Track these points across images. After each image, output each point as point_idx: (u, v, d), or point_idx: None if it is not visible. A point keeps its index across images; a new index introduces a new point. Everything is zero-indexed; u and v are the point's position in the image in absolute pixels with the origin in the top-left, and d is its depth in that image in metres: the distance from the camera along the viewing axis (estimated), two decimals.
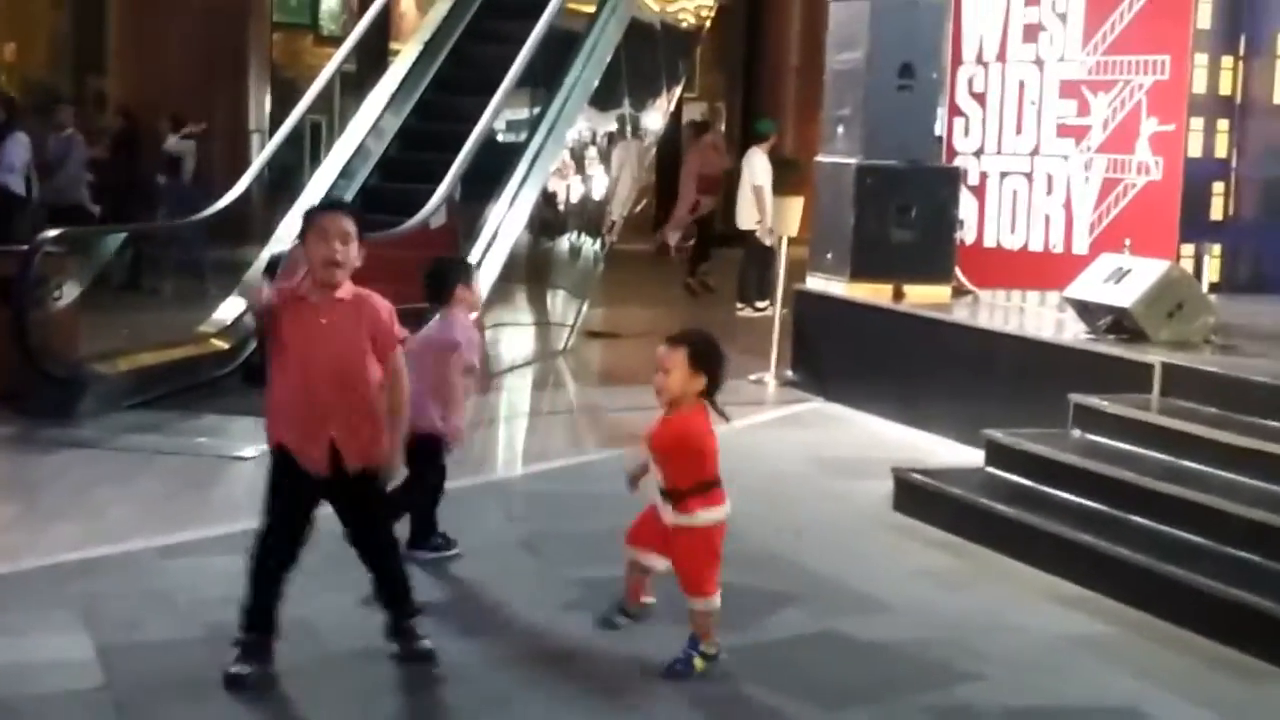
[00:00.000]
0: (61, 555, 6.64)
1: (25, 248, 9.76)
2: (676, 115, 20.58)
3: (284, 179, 14.99)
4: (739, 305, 15.84)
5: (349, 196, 12.70)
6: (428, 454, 6.59)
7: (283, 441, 5.20)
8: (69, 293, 10.09)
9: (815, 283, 11.50)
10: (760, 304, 15.12)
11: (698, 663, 5.42)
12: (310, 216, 5.26)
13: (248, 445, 8.76)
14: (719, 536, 5.43)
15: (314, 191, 12.46)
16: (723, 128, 22.84)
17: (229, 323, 11.15)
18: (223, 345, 10.97)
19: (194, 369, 10.65)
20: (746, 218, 16.01)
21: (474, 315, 7.09)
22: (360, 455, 5.19)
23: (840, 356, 11.09)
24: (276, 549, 5.19)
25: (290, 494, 5.22)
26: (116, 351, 10.37)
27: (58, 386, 9.45)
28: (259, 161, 12.85)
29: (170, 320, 11.74)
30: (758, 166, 15.86)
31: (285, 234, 11.83)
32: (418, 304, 11.27)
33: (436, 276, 6.91)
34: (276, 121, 16.24)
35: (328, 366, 5.13)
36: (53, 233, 10.39)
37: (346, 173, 12.84)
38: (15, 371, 9.50)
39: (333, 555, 5.47)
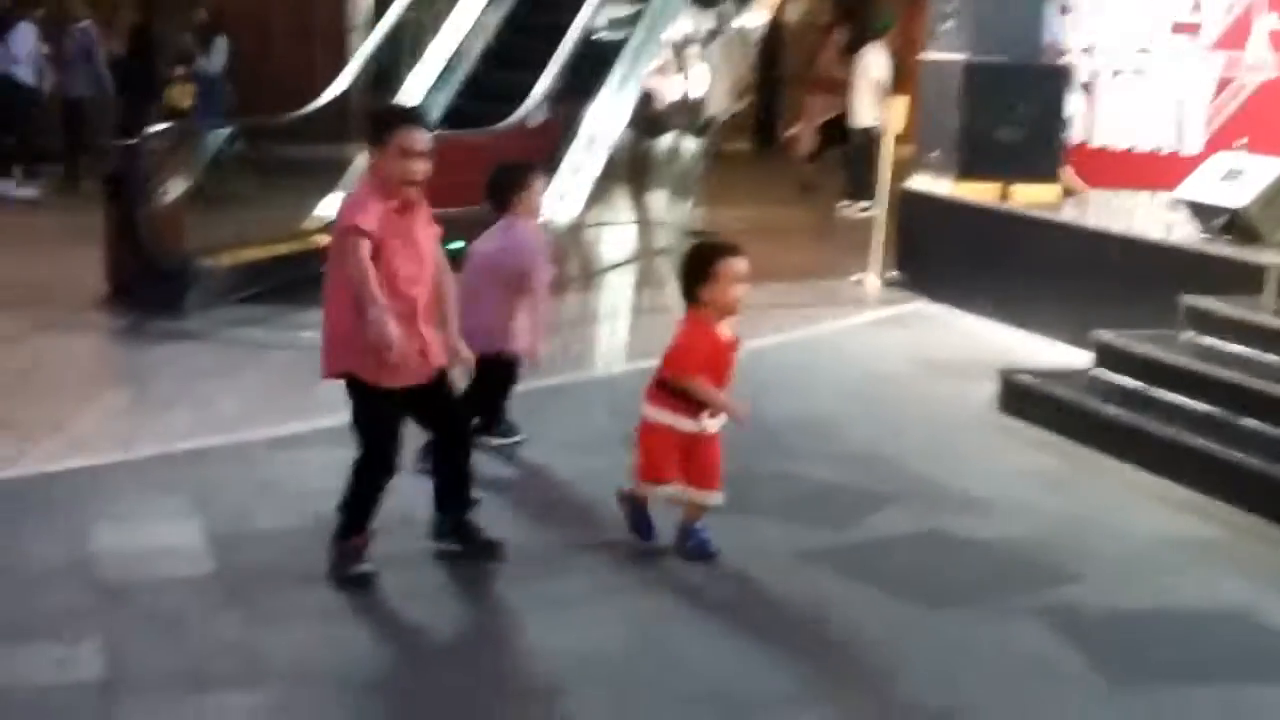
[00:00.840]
0: (173, 444, 6.76)
1: (132, 142, 9.84)
2: (777, 12, 20.31)
3: (385, 76, 14.98)
4: (844, 203, 15.65)
5: (449, 94, 12.69)
6: (496, 373, 6.58)
7: (352, 369, 5.14)
8: (175, 188, 10.20)
9: (920, 182, 11.34)
10: (865, 204, 14.93)
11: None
12: (385, 129, 5.14)
13: None
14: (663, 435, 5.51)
15: (413, 87, 12.44)
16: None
17: (331, 218, 11.18)
18: (324, 241, 11.01)
19: (298, 264, 10.72)
20: (866, 115, 15.70)
21: (536, 221, 6.86)
22: (441, 355, 5.29)
23: (945, 257, 10.95)
24: (386, 469, 5.22)
25: (389, 414, 5.22)
26: (222, 246, 10.46)
27: (165, 280, 9.56)
28: (359, 56, 12.83)
29: (275, 217, 11.81)
30: (875, 63, 15.54)
31: None
32: None
33: (494, 184, 6.71)
34: (376, 19, 16.21)
35: (424, 272, 5.18)
36: (157, 129, 10.47)
37: (448, 69, 12.79)
38: (125, 266, 9.64)
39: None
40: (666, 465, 5.49)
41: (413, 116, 5.61)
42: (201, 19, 17.69)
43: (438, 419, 5.39)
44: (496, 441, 6.80)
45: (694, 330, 5.49)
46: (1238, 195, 8.68)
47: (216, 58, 17.34)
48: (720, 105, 14.71)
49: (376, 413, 5.19)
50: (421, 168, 5.10)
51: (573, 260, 11.66)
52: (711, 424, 5.50)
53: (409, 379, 5.16)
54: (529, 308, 6.52)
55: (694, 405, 5.45)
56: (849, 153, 15.89)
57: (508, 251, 6.55)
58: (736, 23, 14.71)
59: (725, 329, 5.53)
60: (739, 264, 5.45)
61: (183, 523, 5.74)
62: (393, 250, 5.06)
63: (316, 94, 12.18)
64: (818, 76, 18.04)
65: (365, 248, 4.96)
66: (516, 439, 6.91)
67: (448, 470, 5.45)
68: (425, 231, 5.25)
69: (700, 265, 5.51)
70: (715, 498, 5.55)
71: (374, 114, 5.66)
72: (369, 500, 5.24)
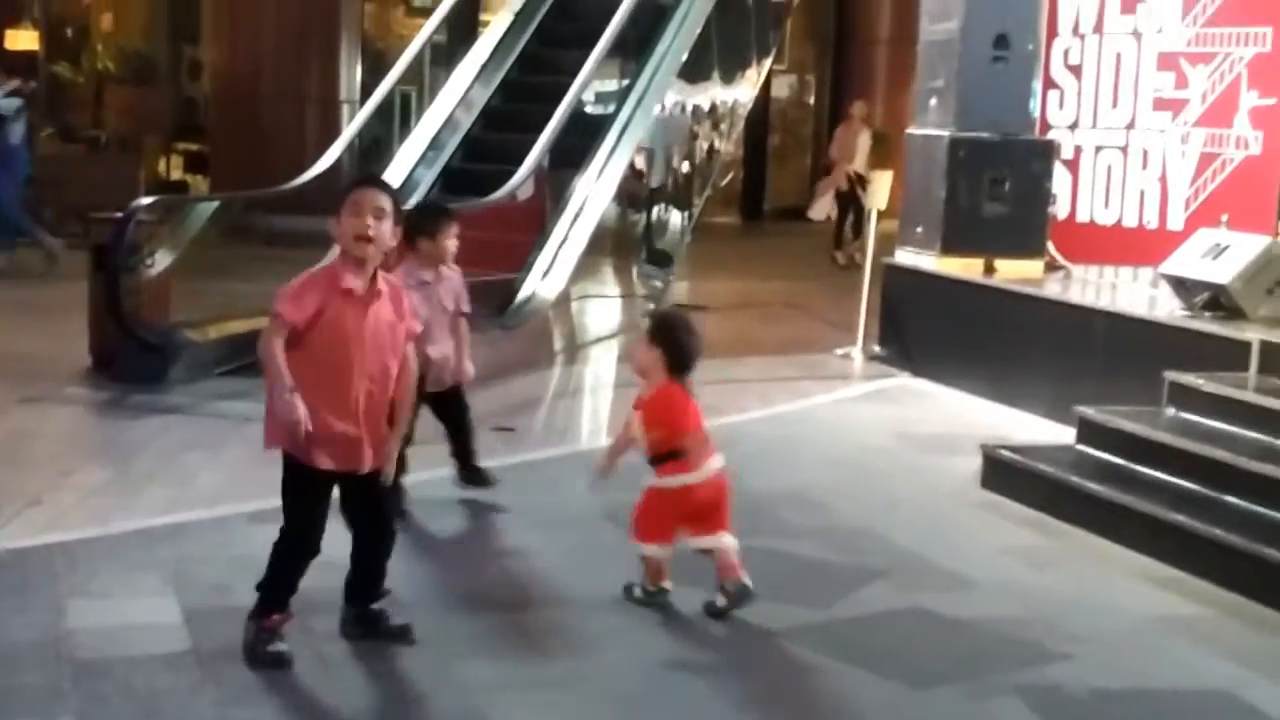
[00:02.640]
0: (152, 519, 6.71)
1: (119, 215, 9.85)
2: (766, 88, 20.47)
3: (374, 149, 15.05)
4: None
5: (437, 170, 12.75)
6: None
7: (283, 444, 5.07)
8: (161, 260, 10.21)
9: (905, 256, 11.38)
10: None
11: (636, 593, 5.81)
12: (343, 192, 5.12)
13: None
14: (677, 498, 5.73)
15: (403, 161, 12.51)
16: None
17: None
18: None
19: None
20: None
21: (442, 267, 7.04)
22: (383, 454, 5.16)
23: (929, 331, 10.98)
24: (305, 550, 5.16)
25: (313, 497, 5.15)
26: (207, 318, 10.45)
27: (149, 353, 9.55)
28: (349, 130, 12.91)
29: (260, 289, 11.79)
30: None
31: None
32: (506, 273, 11.39)
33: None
34: (368, 92, 16.33)
35: (370, 361, 5.03)
36: (146, 200, 10.49)
37: (435, 144, 12.86)
38: (108, 337, 9.63)
39: None
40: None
41: (369, 179, 5.67)
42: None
43: (362, 512, 5.27)
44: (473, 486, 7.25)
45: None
46: (1221, 271, 8.72)
47: (16, 127, 15.06)
48: (707, 179, 14.79)
49: (301, 491, 5.13)
50: (375, 227, 4.95)
51: (557, 333, 11.68)
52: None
53: (338, 464, 5.06)
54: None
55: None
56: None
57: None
58: (724, 97, 14.82)
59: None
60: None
61: (159, 599, 5.69)
62: (331, 338, 4.95)
63: (308, 164, 12.23)
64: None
65: (280, 332, 4.90)
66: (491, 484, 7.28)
67: (363, 564, 5.35)
68: (386, 320, 5.08)
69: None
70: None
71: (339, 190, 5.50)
72: (289, 578, 5.17)
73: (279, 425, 4.99)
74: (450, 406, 7.20)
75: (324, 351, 4.95)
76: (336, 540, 5.54)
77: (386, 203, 5.06)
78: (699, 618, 5.70)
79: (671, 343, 5.74)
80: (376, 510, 5.29)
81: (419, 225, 6.79)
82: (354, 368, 4.99)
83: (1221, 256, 8.81)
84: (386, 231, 5.01)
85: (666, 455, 5.71)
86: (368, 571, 5.35)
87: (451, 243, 6.98)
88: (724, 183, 19.17)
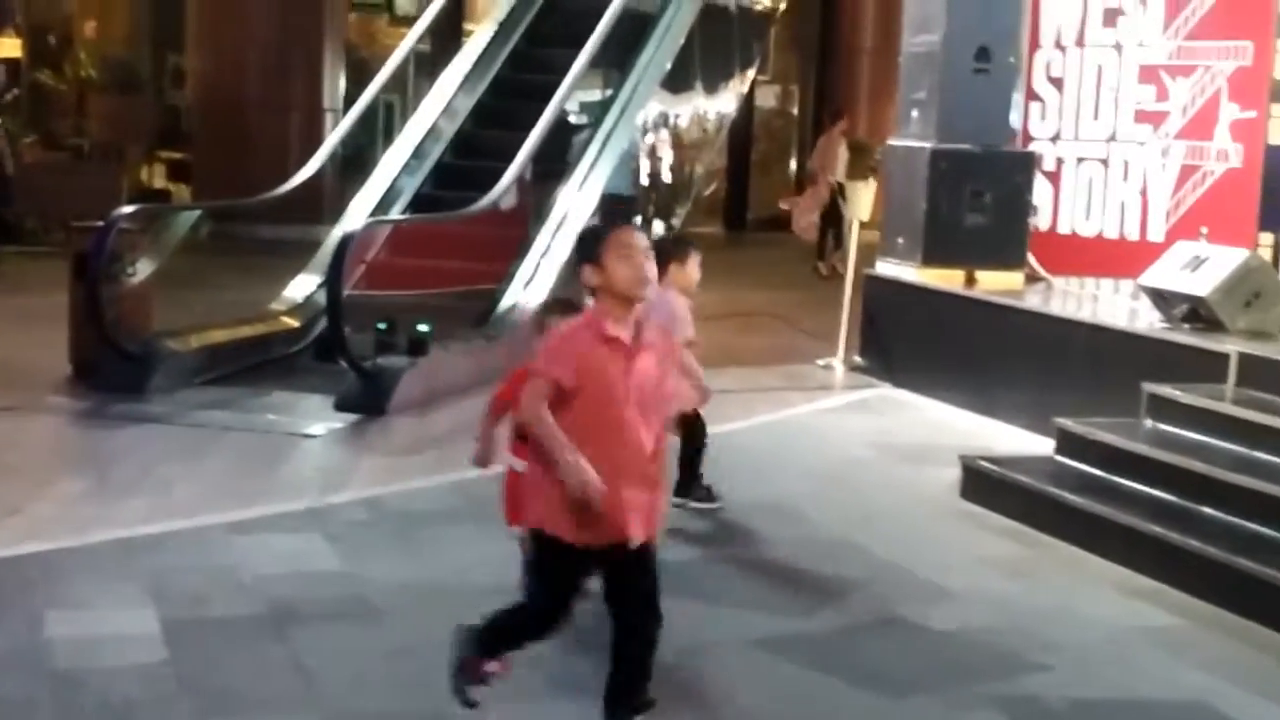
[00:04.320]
0: (130, 530, 6.69)
1: (101, 224, 9.84)
2: (750, 98, 20.50)
3: (357, 158, 15.04)
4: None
5: (421, 177, 12.74)
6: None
7: (540, 523, 4.46)
8: (142, 269, 10.20)
9: (886, 268, 11.41)
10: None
11: None
12: (598, 236, 4.54)
13: (316, 423, 8.84)
14: None
15: (385, 171, 12.50)
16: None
17: (299, 300, 11.21)
18: (293, 323, 11.03)
19: (264, 346, 10.72)
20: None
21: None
22: (654, 523, 4.50)
23: (910, 342, 11.00)
24: (542, 632, 4.62)
25: (570, 580, 4.53)
26: (188, 328, 10.44)
27: (130, 362, 9.53)
28: (331, 139, 12.89)
29: (242, 299, 11.80)
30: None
31: (357, 211, 11.90)
32: (486, 284, 11.38)
33: (655, 253, 6.97)
34: (351, 101, 16.32)
35: (638, 419, 4.41)
36: (127, 209, 10.47)
37: (418, 153, 12.86)
38: (89, 346, 9.61)
39: None
40: None
41: (622, 223, 5.13)
42: None
43: (631, 594, 4.52)
44: (694, 505, 7.23)
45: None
46: (1200, 284, 8.75)
47: None
48: (690, 189, 14.80)
49: (557, 573, 4.48)
50: (646, 269, 4.45)
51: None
52: None
53: (604, 538, 4.39)
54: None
55: None
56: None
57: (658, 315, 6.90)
58: (708, 108, 14.83)
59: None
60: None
61: (137, 610, 5.67)
62: (597, 395, 4.36)
63: (291, 172, 12.22)
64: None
65: (544, 393, 4.32)
66: (717, 504, 7.33)
67: (630, 661, 4.53)
68: (652, 374, 4.47)
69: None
70: None
71: (580, 237, 4.81)
72: (515, 641, 4.67)
73: (542, 501, 4.42)
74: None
75: (590, 410, 4.35)
76: (317, 554, 5.58)
77: (646, 242, 4.60)
78: (669, 627, 5.69)
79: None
80: (649, 592, 4.52)
81: (669, 255, 6.99)
82: (623, 427, 4.39)
83: (1200, 269, 8.84)
84: (651, 273, 4.54)
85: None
86: (635, 670, 4.53)
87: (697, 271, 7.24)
88: (707, 193, 19.19)
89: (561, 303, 5.83)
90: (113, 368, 9.47)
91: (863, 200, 12.68)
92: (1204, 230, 9.94)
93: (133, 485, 7.49)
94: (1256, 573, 6.14)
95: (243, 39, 18.94)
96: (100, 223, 9.89)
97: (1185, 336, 8.51)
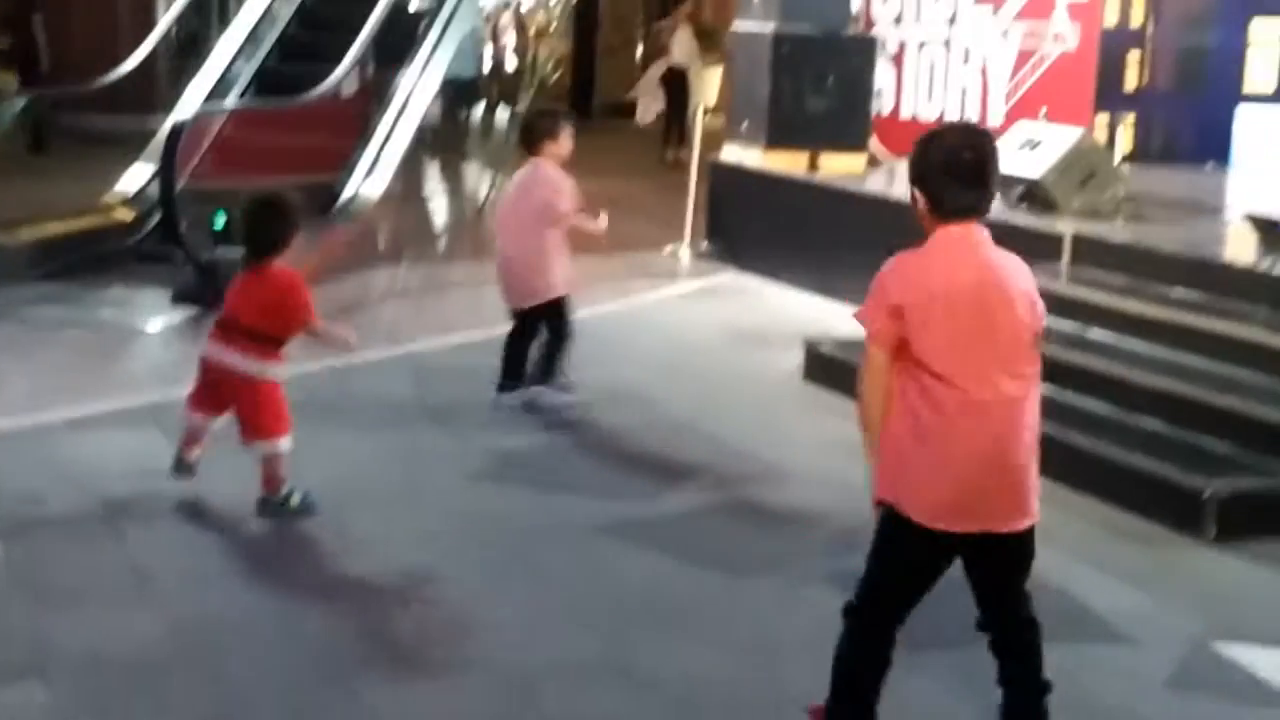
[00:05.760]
0: None
1: None
2: None
3: (190, 44, 14.63)
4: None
5: (254, 67, 12.40)
6: (556, 314, 7.13)
7: (897, 499, 3.75)
8: None
9: (730, 152, 11.41)
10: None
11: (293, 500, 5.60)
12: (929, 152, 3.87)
13: (153, 317, 8.65)
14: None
15: (220, 55, 12.17)
16: None
17: (132, 193, 10.92)
18: (126, 216, 10.75)
19: (98, 240, 10.44)
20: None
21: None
22: (1032, 506, 3.79)
23: (755, 228, 11.05)
24: (877, 642, 3.84)
25: (912, 572, 3.81)
26: (18, 221, 10.13)
27: None
28: (162, 24, 12.51)
29: (74, 191, 11.46)
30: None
31: (192, 99, 11.58)
32: (325, 174, 11.19)
33: (525, 127, 7.38)
34: None
35: (1004, 363, 3.73)
36: None
37: (253, 38, 12.52)
38: None
39: None
40: None
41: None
42: None
43: (1001, 601, 3.87)
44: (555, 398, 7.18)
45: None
46: (1035, 165, 8.87)
47: None
48: (534, 74, 14.67)
49: (906, 560, 3.79)
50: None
51: (382, 233, 11.54)
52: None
53: (974, 524, 3.71)
54: (553, 245, 7.06)
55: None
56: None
57: (529, 189, 7.11)
58: None
59: None
60: None
61: None
62: (949, 338, 3.67)
63: (120, 60, 11.84)
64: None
65: (876, 362, 3.75)
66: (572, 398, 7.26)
67: (1018, 693, 3.90)
68: (1010, 297, 3.76)
69: None
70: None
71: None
72: (858, 672, 3.85)
73: (902, 475, 3.74)
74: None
75: (936, 363, 3.69)
76: (154, 451, 5.45)
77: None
78: (513, 515, 5.72)
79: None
80: (1022, 601, 3.87)
81: (544, 128, 7.21)
82: (986, 378, 3.69)
83: (1035, 150, 8.97)
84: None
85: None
86: (1025, 685, 3.90)
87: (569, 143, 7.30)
88: (552, 79, 19.00)
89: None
90: None
91: (709, 86, 12.66)
92: (1044, 110, 10.07)
93: None
94: (1089, 448, 6.30)
95: None
96: None
97: (1021, 217, 8.64)
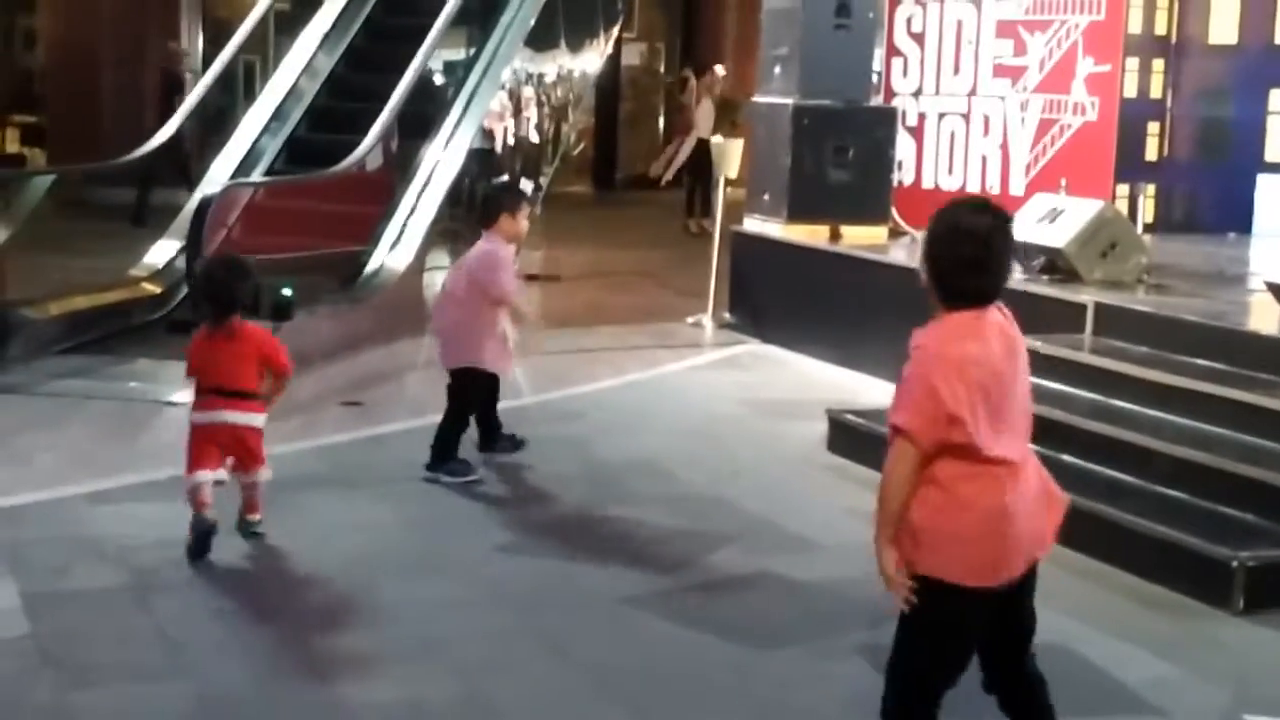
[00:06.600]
0: None
1: None
2: (616, 56, 20.46)
3: (217, 120, 14.73)
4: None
5: (280, 141, 12.52)
6: (464, 384, 7.21)
7: (936, 571, 3.72)
8: None
9: (752, 224, 11.47)
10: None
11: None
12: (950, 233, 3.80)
13: (178, 390, 8.67)
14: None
15: (246, 131, 12.29)
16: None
17: (160, 267, 11.00)
18: (153, 289, 10.83)
19: (124, 313, 10.51)
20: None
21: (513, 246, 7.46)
22: (1048, 536, 3.93)
23: (777, 298, 11.09)
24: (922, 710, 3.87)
25: (960, 636, 3.81)
26: (45, 296, 10.20)
27: None
28: (190, 101, 12.63)
29: (101, 265, 11.55)
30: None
31: (218, 174, 11.69)
32: (350, 247, 11.26)
33: (485, 200, 7.50)
34: (209, 62, 16.01)
35: (1018, 430, 3.80)
36: None
37: (279, 114, 12.65)
38: None
39: None
40: None
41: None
42: None
43: (1018, 642, 3.97)
44: (449, 479, 7.09)
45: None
46: (1057, 235, 8.90)
47: None
48: (557, 149, 14.77)
49: (953, 626, 3.76)
50: None
51: (407, 306, 11.57)
52: None
53: (1022, 565, 3.81)
54: (488, 322, 7.12)
55: None
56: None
57: (478, 262, 7.18)
58: (572, 66, 14.79)
59: None
60: None
61: None
62: (990, 420, 3.67)
63: (147, 135, 11.96)
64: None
65: (911, 459, 3.68)
66: (472, 477, 7.16)
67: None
68: (1022, 363, 3.82)
69: None
70: None
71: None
72: None
73: (943, 547, 3.72)
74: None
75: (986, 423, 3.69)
76: (180, 522, 5.47)
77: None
78: (538, 586, 5.72)
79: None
80: (1026, 641, 3.97)
81: (502, 204, 7.30)
82: (1008, 436, 3.75)
83: (1057, 220, 9.00)
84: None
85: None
86: None
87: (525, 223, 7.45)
88: (574, 152, 19.16)
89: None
90: None
91: (730, 157, 12.72)
92: (1063, 182, 10.12)
93: None
94: (1113, 517, 6.28)
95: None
96: None
97: (1044, 288, 8.66)
